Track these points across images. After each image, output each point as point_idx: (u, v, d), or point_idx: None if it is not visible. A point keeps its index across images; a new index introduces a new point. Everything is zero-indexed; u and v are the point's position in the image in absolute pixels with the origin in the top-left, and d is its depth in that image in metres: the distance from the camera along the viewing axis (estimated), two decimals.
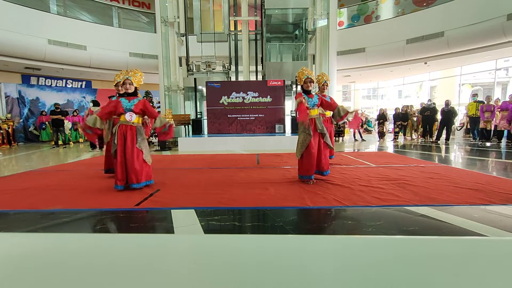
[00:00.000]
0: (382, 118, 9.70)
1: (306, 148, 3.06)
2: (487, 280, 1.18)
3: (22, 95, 10.65)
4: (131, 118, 2.96)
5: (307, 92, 3.20)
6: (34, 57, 9.08)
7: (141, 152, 2.98)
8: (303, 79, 3.17)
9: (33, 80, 10.94)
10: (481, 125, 7.99)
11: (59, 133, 8.86)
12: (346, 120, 3.35)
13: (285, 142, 6.94)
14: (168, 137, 3.31)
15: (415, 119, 9.73)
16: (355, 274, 1.23)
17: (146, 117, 3.15)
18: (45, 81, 11.23)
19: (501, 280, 1.19)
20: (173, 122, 3.08)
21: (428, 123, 8.79)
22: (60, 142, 9.01)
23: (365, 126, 13.63)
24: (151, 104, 9.68)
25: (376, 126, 10.53)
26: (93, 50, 9.93)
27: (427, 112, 8.65)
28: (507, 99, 7.75)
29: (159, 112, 8.78)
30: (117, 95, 3.50)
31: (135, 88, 3.06)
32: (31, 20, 8.67)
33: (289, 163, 4.56)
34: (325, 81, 3.94)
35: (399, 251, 1.48)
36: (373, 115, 15.04)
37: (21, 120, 10.55)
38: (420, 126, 9.58)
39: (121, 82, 3.13)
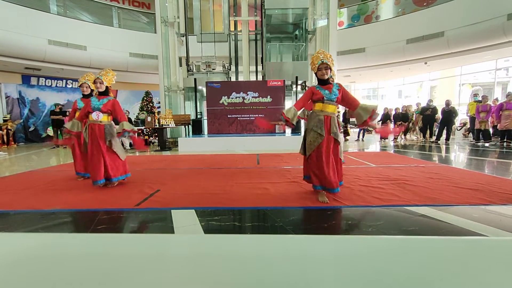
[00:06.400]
0: (385, 118, 9.67)
1: (315, 151, 2.45)
2: (487, 280, 1.18)
3: (22, 95, 10.66)
4: (98, 117, 3.03)
5: (322, 82, 2.51)
6: (34, 57, 9.09)
7: (112, 149, 3.04)
8: (317, 65, 2.43)
9: (33, 81, 10.94)
10: (476, 125, 7.91)
11: (59, 133, 8.88)
12: (371, 126, 2.56)
13: (285, 142, 6.94)
14: (140, 146, 3.24)
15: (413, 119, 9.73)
16: (355, 274, 1.23)
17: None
18: (45, 82, 11.24)
19: (501, 280, 1.19)
20: (136, 134, 3.14)
21: (428, 123, 8.79)
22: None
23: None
24: (152, 104, 9.68)
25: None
26: (93, 50, 9.93)
27: (428, 111, 8.63)
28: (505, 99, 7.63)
29: (158, 113, 8.72)
30: (82, 96, 3.60)
31: (107, 87, 3.11)
32: (31, 20, 8.67)
33: (289, 163, 4.56)
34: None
35: (399, 251, 1.48)
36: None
37: (21, 121, 10.54)
38: (417, 126, 9.57)
39: (92, 81, 3.22)
